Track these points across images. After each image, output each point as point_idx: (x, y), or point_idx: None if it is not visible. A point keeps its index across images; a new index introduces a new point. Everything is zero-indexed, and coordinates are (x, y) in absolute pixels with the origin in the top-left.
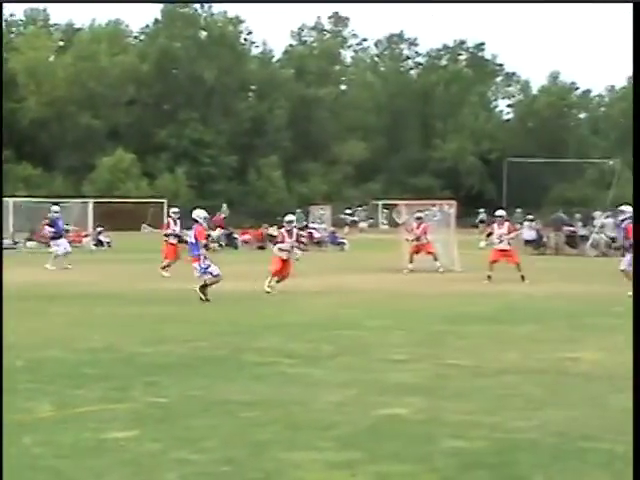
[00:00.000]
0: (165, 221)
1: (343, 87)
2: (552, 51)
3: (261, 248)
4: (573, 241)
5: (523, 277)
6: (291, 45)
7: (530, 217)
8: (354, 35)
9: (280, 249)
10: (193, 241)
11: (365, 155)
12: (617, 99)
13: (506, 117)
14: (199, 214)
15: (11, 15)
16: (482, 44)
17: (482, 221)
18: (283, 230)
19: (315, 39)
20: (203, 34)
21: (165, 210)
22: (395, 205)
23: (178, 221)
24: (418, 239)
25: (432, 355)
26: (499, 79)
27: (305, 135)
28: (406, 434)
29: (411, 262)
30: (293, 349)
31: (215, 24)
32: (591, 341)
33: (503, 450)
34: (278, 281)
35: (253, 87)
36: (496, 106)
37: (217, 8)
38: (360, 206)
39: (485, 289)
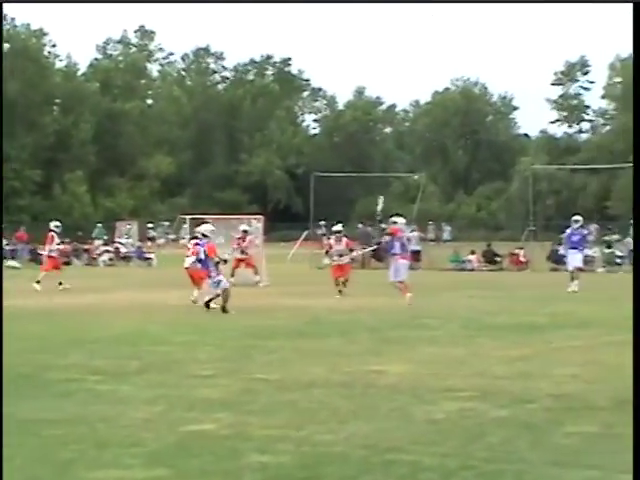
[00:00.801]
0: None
1: (149, 101)
2: (357, 67)
3: (67, 264)
4: (379, 254)
5: (341, 292)
6: (96, 59)
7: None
8: (160, 49)
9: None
10: (203, 257)
11: (172, 170)
12: (421, 114)
13: (313, 132)
14: (207, 229)
15: None
16: (289, 59)
17: (324, 234)
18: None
19: (121, 53)
20: (6, 47)
21: None
22: (202, 220)
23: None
24: (243, 252)
25: (239, 370)
26: (306, 94)
27: (111, 149)
28: (213, 450)
29: (232, 276)
30: (99, 365)
31: (18, 36)
32: (396, 353)
33: (310, 464)
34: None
35: (57, 101)
36: (303, 121)
37: (20, 20)
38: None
39: (290, 303)
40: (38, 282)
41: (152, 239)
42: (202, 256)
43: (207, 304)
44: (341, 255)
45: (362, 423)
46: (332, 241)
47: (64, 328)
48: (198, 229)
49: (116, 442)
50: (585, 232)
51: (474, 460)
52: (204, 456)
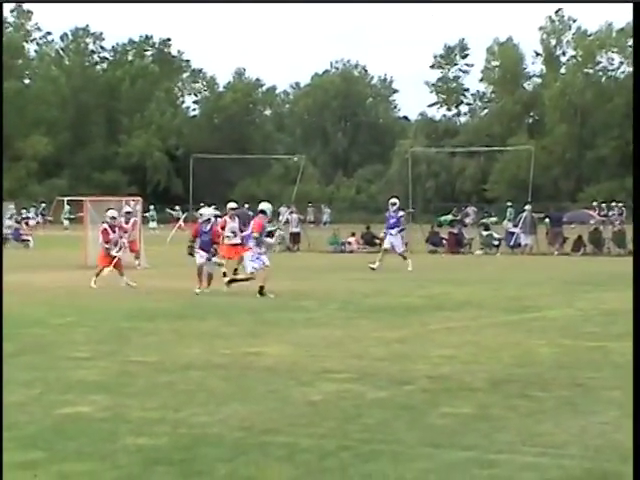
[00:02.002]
0: None
1: (27, 81)
2: (237, 48)
3: None
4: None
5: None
6: None
7: (217, 214)
8: (38, 28)
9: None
10: (248, 232)
11: (49, 150)
12: (301, 96)
13: (192, 113)
14: (268, 207)
15: None
16: (168, 40)
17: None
18: (106, 225)
19: None
20: None
21: None
22: (80, 201)
23: None
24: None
25: (116, 352)
26: (185, 75)
27: None
28: (89, 432)
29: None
30: None
31: None
32: (275, 335)
33: (187, 445)
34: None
35: None
36: (183, 102)
37: None
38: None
39: (169, 285)
40: None
41: (27, 220)
42: (248, 231)
43: (230, 281)
44: (234, 233)
45: (239, 405)
46: (227, 218)
47: None
48: (261, 206)
49: None
50: (400, 214)
51: (351, 441)
52: (80, 439)
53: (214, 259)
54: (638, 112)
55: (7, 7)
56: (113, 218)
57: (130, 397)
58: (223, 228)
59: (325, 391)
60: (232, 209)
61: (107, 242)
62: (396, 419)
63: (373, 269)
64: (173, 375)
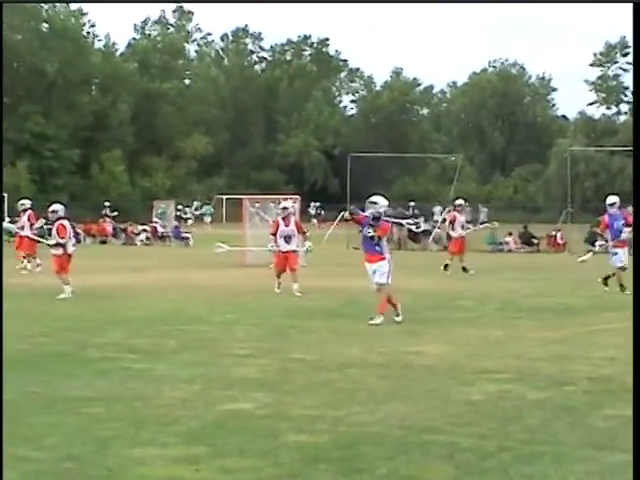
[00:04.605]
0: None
1: (187, 81)
2: (395, 47)
3: (103, 242)
4: (415, 236)
5: (465, 269)
6: (134, 39)
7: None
8: (198, 29)
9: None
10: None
11: (209, 150)
12: (459, 95)
13: (350, 112)
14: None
15: None
16: (326, 39)
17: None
18: (278, 218)
19: (159, 33)
20: (45, 26)
21: (6, 205)
22: (240, 200)
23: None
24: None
25: (276, 350)
26: (343, 74)
27: (149, 129)
28: (250, 429)
29: None
30: (136, 344)
31: (57, 16)
32: (434, 335)
33: (347, 444)
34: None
35: (96, 80)
36: (340, 101)
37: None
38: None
39: (327, 284)
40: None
41: (183, 219)
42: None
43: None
44: (463, 226)
45: (399, 404)
46: (456, 213)
47: (101, 308)
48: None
49: (154, 420)
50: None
51: (512, 442)
52: (242, 435)
53: None
54: (638, 112)
55: (169, 8)
56: (285, 209)
57: (290, 394)
58: (452, 222)
59: (485, 391)
60: (460, 205)
61: (273, 234)
62: (557, 420)
63: None
64: (332, 373)
